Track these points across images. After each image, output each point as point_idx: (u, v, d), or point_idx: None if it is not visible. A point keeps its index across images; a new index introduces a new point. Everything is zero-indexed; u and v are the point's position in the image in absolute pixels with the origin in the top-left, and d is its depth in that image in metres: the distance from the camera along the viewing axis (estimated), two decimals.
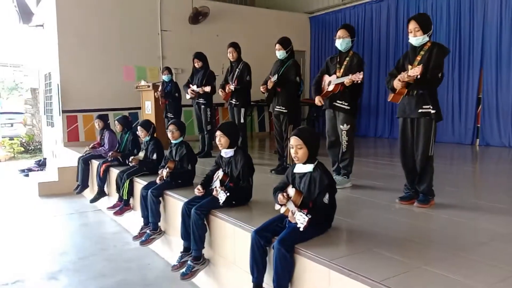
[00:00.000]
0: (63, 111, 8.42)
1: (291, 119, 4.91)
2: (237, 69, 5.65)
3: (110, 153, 5.75)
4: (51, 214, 6.06)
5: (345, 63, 4.14)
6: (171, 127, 4.30)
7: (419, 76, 3.12)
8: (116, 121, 5.94)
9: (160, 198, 4.17)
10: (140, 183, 4.84)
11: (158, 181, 4.20)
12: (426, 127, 3.36)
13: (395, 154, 7.49)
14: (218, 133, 3.43)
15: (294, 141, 2.70)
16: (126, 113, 8.95)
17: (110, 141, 6.49)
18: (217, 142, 3.45)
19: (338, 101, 4.17)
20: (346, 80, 3.95)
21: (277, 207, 2.94)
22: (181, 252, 3.50)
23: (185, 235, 3.46)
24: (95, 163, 6.43)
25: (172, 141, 4.37)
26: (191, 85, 6.50)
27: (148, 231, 4.16)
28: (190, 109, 7.83)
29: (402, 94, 3.41)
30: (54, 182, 7.24)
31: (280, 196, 2.69)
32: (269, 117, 10.87)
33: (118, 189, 5.05)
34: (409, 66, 3.40)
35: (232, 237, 3.13)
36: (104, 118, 6.70)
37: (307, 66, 11.52)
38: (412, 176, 3.53)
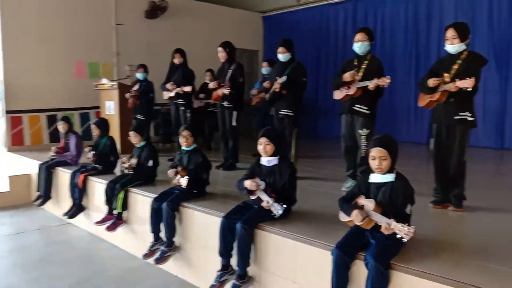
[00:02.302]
0: (7, 112, 7.41)
1: (296, 123, 4.79)
2: (230, 70, 5.36)
3: (90, 154, 5.11)
4: (14, 229, 5.28)
5: (364, 66, 4.09)
6: (185, 133, 3.93)
7: (470, 89, 3.16)
8: (93, 125, 5.33)
9: (176, 212, 3.81)
10: (136, 194, 4.41)
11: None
12: (462, 133, 3.43)
13: None
14: (263, 140, 3.19)
15: (378, 152, 2.57)
16: (77, 113, 8.20)
17: (77, 146, 5.84)
18: (261, 150, 3.21)
19: (357, 105, 4.11)
20: (371, 84, 3.90)
21: (344, 218, 2.82)
22: (219, 271, 3.20)
23: (225, 252, 3.17)
24: (60, 171, 5.74)
25: (183, 148, 4.01)
26: (168, 84, 6.08)
27: (162, 248, 3.77)
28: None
29: (440, 101, 3.45)
30: (5, 192, 6.33)
31: (357, 211, 2.56)
32: None
33: (109, 201, 4.52)
34: (446, 74, 3.45)
35: (291, 253, 2.92)
36: (69, 120, 6.00)
37: (260, 66, 11.41)
38: (445, 181, 3.59)
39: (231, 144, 5.44)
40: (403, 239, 2.34)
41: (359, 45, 4.08)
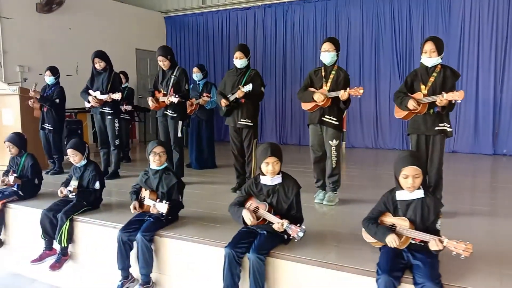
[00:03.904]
0: None
1: (256, 133, 4.56)
2: (173, 76, 4.87)
3: (11, 178, 4.20)
4: None
5: (331, 77, 4.05)
6: (158, 149, 3.39)
7: (459, 101, 3.32)
8: (8, 142, 4.35)
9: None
10: (84, 223, 3.72)
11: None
12: (442, 143, 3.59)
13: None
14: (271, 159, 2.88)
15: (412, 170, 2.50)
16: None
17: None
18: (270, 170, 2.90)
19: (326, 116, 4.05)
20: (346, 94, 3.83)
21: (369, 239, 2.72)
22: None
23: (233, 287, 2.82)
24: None
25: (152, 167, 3.47)
26: (91, 91, 5.30)
27: (138, 286, 3.22)
28: None
29: (421, 113, 3.57)
30: None
31: (393, 236, 2.49)
32: None
33: (47, 234, 3.73)
34: (422, 86, 3.58)
35: (317, 281, 2.71)
36: None
37: None
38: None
39: (176, 157, 4.96)
40: (461, 257, 2.30)
41: (326, 55, 4.02)
